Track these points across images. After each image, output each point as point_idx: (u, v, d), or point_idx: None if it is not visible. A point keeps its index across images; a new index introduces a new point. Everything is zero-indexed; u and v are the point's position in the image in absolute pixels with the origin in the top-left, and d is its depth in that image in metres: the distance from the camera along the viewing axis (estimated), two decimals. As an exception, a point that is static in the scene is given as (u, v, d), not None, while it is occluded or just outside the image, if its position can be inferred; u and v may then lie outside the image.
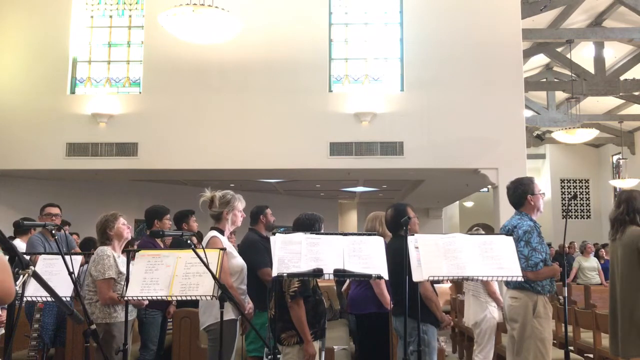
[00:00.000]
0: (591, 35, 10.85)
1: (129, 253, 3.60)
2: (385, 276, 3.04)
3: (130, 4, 9.50)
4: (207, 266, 2.92)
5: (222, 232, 3.95)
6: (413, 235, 3.29)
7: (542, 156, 19.06)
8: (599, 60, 11.63)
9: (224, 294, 2.90)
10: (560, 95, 13.35)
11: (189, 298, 3.28)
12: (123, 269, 3.93)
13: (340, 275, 3.08)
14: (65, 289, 3.45)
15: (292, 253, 3.03)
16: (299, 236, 3.12)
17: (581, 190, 18.82)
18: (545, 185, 17.84)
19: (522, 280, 3.33)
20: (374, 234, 3.23)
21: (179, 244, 4.92)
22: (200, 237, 3.41)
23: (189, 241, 3.07)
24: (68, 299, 3.58)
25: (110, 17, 9.51)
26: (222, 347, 3.22)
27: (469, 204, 19.91)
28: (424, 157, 8.79)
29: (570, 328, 5.45)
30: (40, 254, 4.12)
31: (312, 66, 8.98)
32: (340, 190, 14.48)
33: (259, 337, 4.44)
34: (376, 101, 8.88)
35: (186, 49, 8.64)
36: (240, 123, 8.89)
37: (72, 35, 9.32)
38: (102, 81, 9.34)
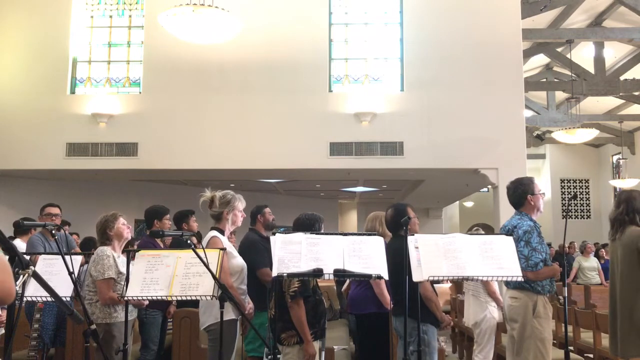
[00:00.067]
0: (591, 35, 10.85)
1: (129, 253, 3.60)
2: (385, 276, 3.04)
3: (130, 4, 9.50)
4: (207, 266, 2.92)
5: (222, 232, 3.95)
6: (413, 235, 3.29)
7: (542, 156, 19.06)
8: (599, 60, 11.63)
9: (224, 294, 2.90)
10: (560, 95, 13.35)
11: (189, 298, 3.28)
12: (123, 269, 3.93)
13: (340, 275, 3.08)
14: (65, 289, 3.45)
15: (292, 253, 3.03)
16: (299, 236, 3.12)
17: (581, 190, 18.82)
18: (545, 185, 17.84)
19: (522, 280, 3.33)
20: (374, 234, 3.23)
21: (179, 244, 4.92)
22: (199, 237, 3.41)
23: (189, 241, 3.07)
24: (68, 299, 3.58)
25: (110, 17, 9.51)
26: (222, 347, 3.22)
27: (469, 204, 19.91)
28: (424, 157, 8.79)
29: (570, 328, 5.45)
30: (40, 254, 4.12)
31: (312, 66, 8.98)
32: (340, 190, 14.48)
33: (256, 337, 4.46)
34: (376, 101, 8.88)
35: (186, 49, 8.64)
36: (240, 123, 8.90)
37: (72, 35, 9.32)
38: (102, 81, 9.34)
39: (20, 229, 5.32)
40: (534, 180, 4.13)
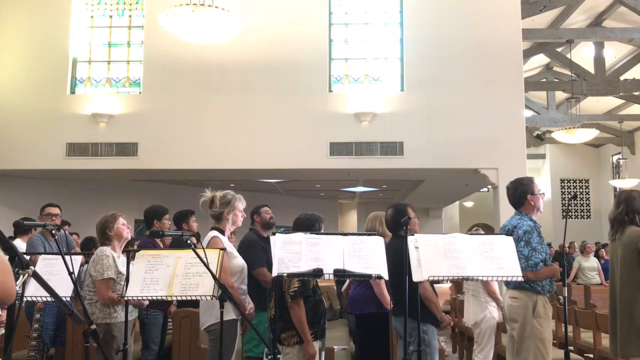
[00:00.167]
0: (591, 35, 10.85)
1: (129, 253, 3.60)
2: (385, 276, 3.04)
3: (130, 4, 9.50)
4: (207, 266, 2.92)
5: (222, 232, 3.95)
6: (413, 235, 3.29)
7: (542, 156, 19.06)
8: (599, 60, 11.63)
9: (224, 293, 2.90)
10: (560, 95, 13.35)
11: (189, 298, 3.28)
12: (123, 269, 3.93)
13: (340, 275, 3.08)
14: (65, 289, 3.45)
15: (292, 253, 3.04)
16: (299, 236, 3.12)
17: (581, 190, 18.82)
18: (545, 185, 17.84)
19: (522, 280, 3.33)
20: (374, 234, 3.23)
21: (178, 244, 4.92)
22: (199, 237, 3.40)
23: (188, 241, 3.07)
24: (68, 299, 3.58)
25: (110, 17, 9.51)
26: (222, 347, 3.22)
27: (469, 204, 19.91)
28: (424, 157, 8.79)
29: (570, 328, 5.45)
30: (40, 254, 4.12)
31: (312, 66, 8.98)
32: (340, 190, 14.48)
33: (251, 337, 4.46)
34: (376, 101, 8.88)
35: (186, 49, 8.64)
36: (240, 123, 8.90)
37: (72, 35, 9.32)
38: (102, 81, 9.35)
39: (20, 229, 5.32)
40: (533, 180, 4.13)
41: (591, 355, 5.54)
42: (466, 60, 8.88)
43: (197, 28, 6.47)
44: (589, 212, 18.81)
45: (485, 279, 3.29)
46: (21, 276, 1.85)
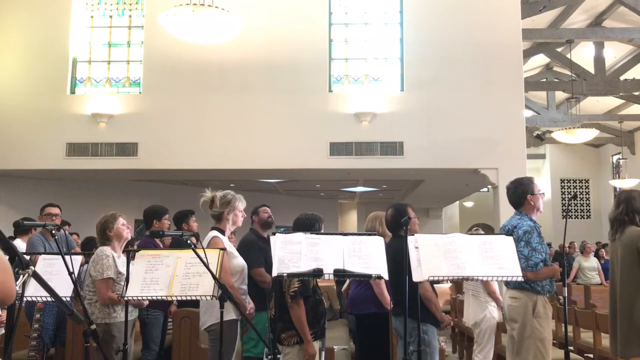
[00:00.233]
0: (591, 35, 10.85)
1: (129, 253, 3.60)
2: (385, 276, 3.04)
3: (130, 4, 9.50)
4: (207, 266, 2.92)
5: (222, 232, 3.95)
6: (413, 235, 3.29)
7: (542, 156, 19.06)
8: (599, 60, 11.63)
9: (224, 293, 2.90)
10: (560, 95, 13.35)
11: (189, 298, 3.28)
12: (123, 269, 3.93)
13: (340, 275, 3.08)
14: (65, 289, 3.45)
15: (292, 253, 3.04)
16: (299, 236, 3.12)
17: (581, 190, 18.82)
18: (545, 185, 17.84)
19: (522, 280, 3.33)
20: (374, 234, 3.23)
21: (178, 244, 4.92)
22: (198, 237, 3.40)
23: (188, 241, 3.07)
24: (68, 299, 3.58)
25: (110, 17, 9.51)
26: (222, 347, 3.22)
27: (469, 204, 19.91)
28: (424, 157, 8.79)
29: (570, 328, 5.45)
30: (40, 254, 4.12)
31: (312, 66, 8.98)
32: (340, 190, 14.48)
33: (250, 337, 4.46)
34: (376, 101, 8.88)
35: (186, 49, 8.64)
36: (240, 123, 8.90)
37: (72, 35, 9.32)
38: (102, 81, 9.35)
39: (20, 229, 5.32)
40: (533, 180, 4.13)
41: (591, 355, 5.54)
42: (466, 60, 8.88)
43: (197, 28, 6.48)
44: (589, 212, 18.81)
45: (485, 279, 3.29)
46: (21, 276, 1.85)
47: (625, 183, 15.08)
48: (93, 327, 2.68)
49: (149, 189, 11.89)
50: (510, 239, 3.32)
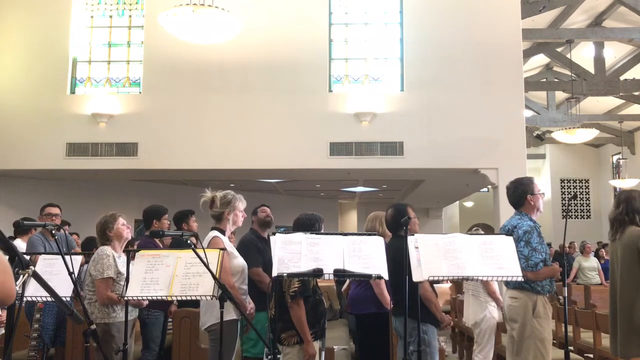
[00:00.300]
0: (591, 35, 10.85)
1: (129, 253, 3.60)
2: (385, 276, 3.04)
3: (130, 4, 9.50)
4: (207, 266, 2.92)
5: (223, 232, 3.95)
6: (413, 235, 3.29)
7: (542, 156, 19.07)
8: (599, 60, 11.63)
9: (224, 293, 2.90)
10: (560, 95, 13.35)
11: (189, 298, 3.28)
12: (123, 269, 3.93)
13: (340, 275, 3.08)
14: (65, 289, 3.45)
15: (292, 253, 3.04)
16: (299, 236, 3.12)
17: (581, 190, 18.82)
18: (545, 185, 17.84)
19: (522, 280, 3.33)
20: (374, 234, 3.23)
21: (178, 244, 4.92)
22: (197, 237, 3.40)
23: (188, 241, 3.07)
24: (68, 299, 3.58)
25: (110, 17, 9.51)
26: (222, 347, 3.22)
27: (469, 204, 19.91)
28: (424, 157, 8.79)
29: (570, 328, 5.45)
30: (40, 254, 4.12)
31: (312, 66, 8.98)
32: (340, 190, 14.48)
33: (249, 337, 4.46)
34: (376, 101, 8.88)
35: (186, 49, 8.64)
36: (240, 123, 8.90)
37: (72, 35, 9.32)
38: (102, 81, 9.35)
39: (20, 229, 5.32)
40: (533, 180, 4.13)
41: (591, 355, 5.54)
42: (466, 60, 8.88)
43: (197, 28, 6.47)
44: (589, 212, 18.81)
45: (485, 279, 3.29)
46: (21, 276, 1.85)
47: (625, 183, 15.08)
48: (93, 327, 2.68)
49: (149, 189, 11.89)
50: (510, 239, 3.32)
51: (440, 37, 8.95)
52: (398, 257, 3.26)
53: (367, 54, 9.24)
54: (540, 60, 13.74)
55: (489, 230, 7.94)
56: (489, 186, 9.36)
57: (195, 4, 6.19)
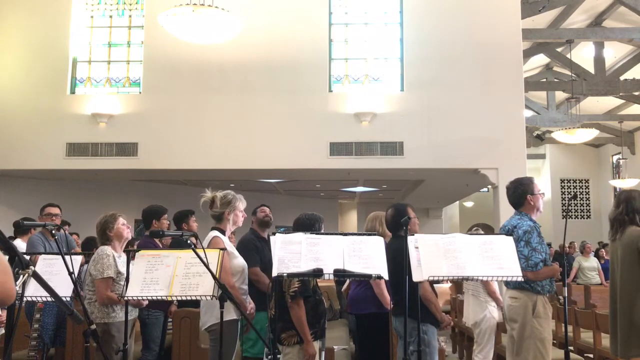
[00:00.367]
0: (591, 35, 10.85)
1: (129, 253, 3.60)
2: (385, 276, 3.04)
3: (130, 4, 9.50)
4: (207, 266, 2.92)
5: (223, 232, 3.95)
6: (413, 235, 3.29)
7: (542, 156, 19.06)
8: (599, 60, 11.63)
9: (224, 293, 2.90)
10: (560, 95, 13.35)
11: (189, 298, 3.28)
12: (123, 269, 3.93)
13: (340, 275, 3.08)
14: (65, 289, 3.45)
15: (292, 253, 3.04)
16: (299, 236, 3.12)
17: (581, 190, 18.82)
18: (545, 185, 17.85)
19: (522, 280, 3.33)
20: (374, 234, 3.23)
21: (178, 244, 4.92)
22: (197, 237, 3.40)
23: (188, 241, 3.07)
24: (68, 299, 3.58)
25: (110, 17, 9.51)
26: (222, 347, 3.22)
27: (469, 204, 19.91)
28: (424, 157, 8.79)
29: (570, 328, 5.45)
30: (41, 253, 4.12)
31: (312, 66, 8.98)
32: (340, 190, 14.48)
33: (248, 337, 4.46)
34: (376, 101, 8.88)
35: (186, 49, 8.64)
36: (240, 123, 8.90)
37: (72, 35, 9.32)
38: (102, 81, 9.35)
39: (20, 229, 5.32)
40: (533, 180, 4.13)
41: (591, 355, 5.54)
42: (466, 60, 8.88)
43: (197, 28, 6.48)
44: (589, 212, 18.81)
45: (485, 279, 3.29)
46: (21, 276, 1.85)
47: (625, 183, 15.08)
48: (93, 327, 2.68)
49: (149, 189, 11.89)
50: (510, 239, 3.32)
51: (440, 37, 8.95)
52: (398, 257, 3.26)
53: (367, 54, 9.24)
54: (540, 60, 13.74)
55: (489, 230, 7.94)
56: (489, 186, 9.37)
57: (195, 4, 6.19)
